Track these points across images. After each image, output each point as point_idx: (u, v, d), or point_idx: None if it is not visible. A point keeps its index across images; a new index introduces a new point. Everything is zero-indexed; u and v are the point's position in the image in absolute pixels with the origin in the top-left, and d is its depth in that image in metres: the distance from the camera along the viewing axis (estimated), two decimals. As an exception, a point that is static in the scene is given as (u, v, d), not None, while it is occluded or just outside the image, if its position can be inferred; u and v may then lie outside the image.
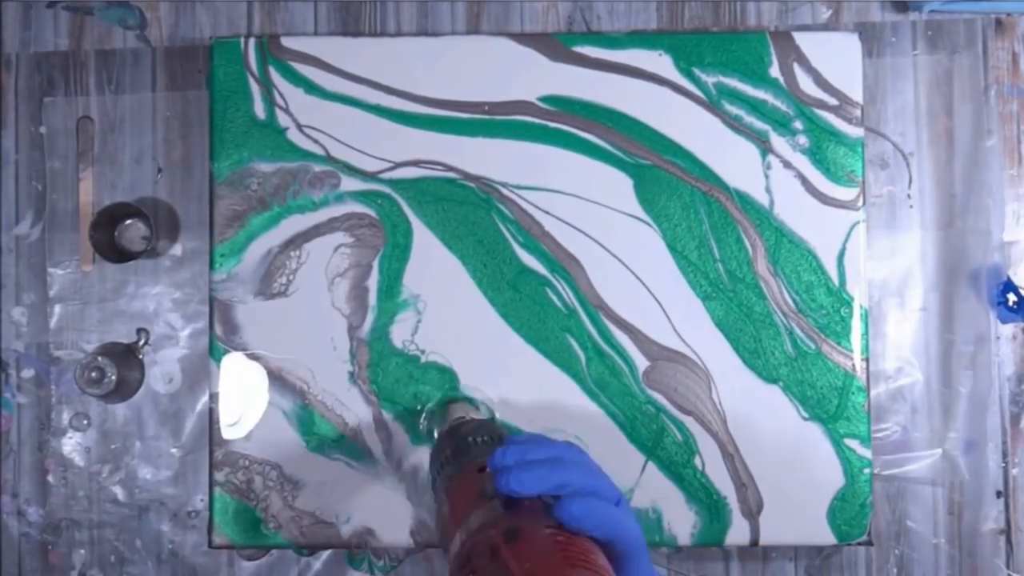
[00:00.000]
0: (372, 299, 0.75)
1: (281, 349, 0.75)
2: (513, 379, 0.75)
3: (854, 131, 0.75)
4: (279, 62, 0.76)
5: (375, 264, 0.75)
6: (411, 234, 0.76)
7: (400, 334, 0.75)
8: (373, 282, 0.75)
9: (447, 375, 0.75)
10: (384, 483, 0.74)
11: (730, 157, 0.75)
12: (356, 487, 0.74)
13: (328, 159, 0.76)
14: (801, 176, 0.75)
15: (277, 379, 0.75)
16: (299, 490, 0.74)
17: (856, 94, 0.76)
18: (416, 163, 0.76)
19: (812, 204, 0.75)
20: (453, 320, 0.75)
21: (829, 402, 0.74)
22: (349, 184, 0.76)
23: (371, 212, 0.76)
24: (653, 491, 0.74)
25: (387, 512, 0.74)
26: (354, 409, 0.75)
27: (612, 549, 0.46)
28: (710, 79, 0.76)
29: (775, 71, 0.76)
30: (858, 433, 0.74)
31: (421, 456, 0.74)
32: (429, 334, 0.75)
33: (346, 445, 0.74)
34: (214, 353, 0.74)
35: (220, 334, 0.75)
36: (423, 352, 0.75)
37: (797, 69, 0.76)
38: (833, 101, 0.76)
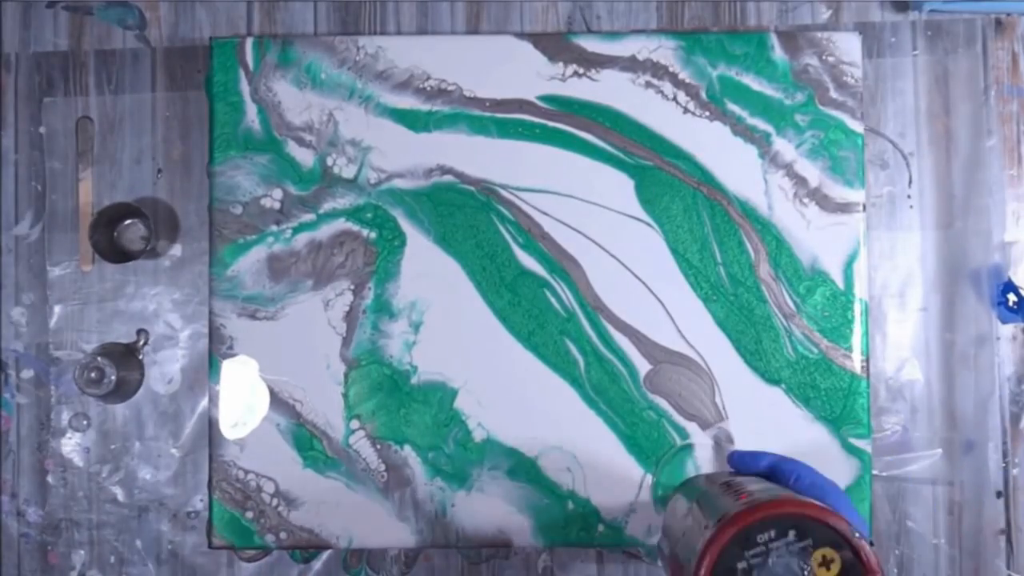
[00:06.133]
0: (366, 315, 0.71)
1: (275, 369, 0.72)
2: (509, 387, 0.71)
3: (855, 131, 0.72)
4: (278, 49, 0.73)
5: (370, 280, 0.72)
6: (405, 246, 0.72)
7: (394, 350, 0.71)
8: (368, 298, 0.72)
9: (442, 388, 0.71)
10: (384, 507, 0.71)
11: (732, 161, 0.72)
12: (356, 509, 0.71)
13: (323, 174, 0.72)
14: (803, 179, 0.72)
15: (271, 395, 0.72)
16: (296, 507, 0.71)
17: (856, 94, 0.72)
18: (415, 168, 0.72)
19: (812, 205, 0.72)
20: (450, 328, 0.72)
21: (835, 404, 0.71)
22: (342, 200, 0.72)
23: (364, 230, 0.72)
24: (651, 514, 0.71)
25: (388, 537, 0.71)
26: (346, 432, 0.72)
27: None
28: (713, 72, 0.72)
29: (777, 65, 0.72)
30: (865, 434, 0.71)
31: (418, 484, 0.72)
32: (425, 347, 0.72)
33: (341, 466, 0.71)
34: (212, 364, 0.72)
35: (214, 347, 0.72)
36: (415, 369, 0.71)
37: (798, 68, 0.72)
38: (833, 101, 0.72)
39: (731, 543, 0.40)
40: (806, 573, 0.40)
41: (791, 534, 0.40)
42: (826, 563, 0.40)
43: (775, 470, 0.49)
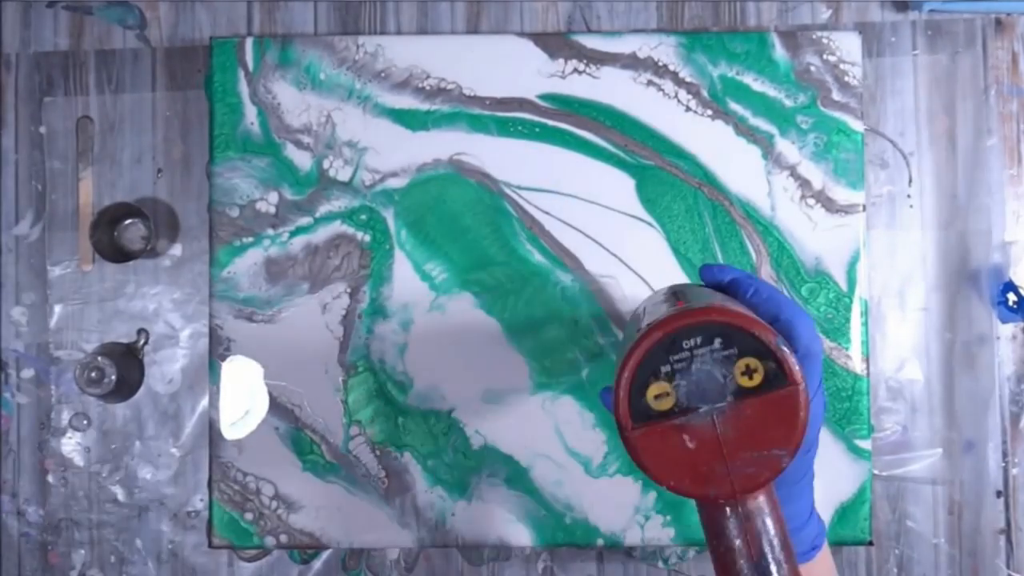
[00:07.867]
0: (362, 320, 0.70)
1: (273, 373, 0.71)
2: (507, 392, 0.70)
3: (855, 132, 0.71)
4: (277, 49, 0.72)
5: (365, 283, 0.70)
6: (394, 251, 0.71)
7: (390, 355, 0.70)
8: (363, 302, 0.70)
9: (440, 395, 0.70)
10: (385, 513, 0.70)
11: (734, 161, 0.71)
12: (356, 513, 0.70)
13: (319, 177, 0.71)
14: (807, 180, 0.71)
15: (270, 400, 0.71)
16: (296, 511, 0.70)
17: (856, 94, 0.71)
18: (413, 168, 0.71)
19: (816, 207, 0.71)
20: (448, 331, 0.70)
21: (838, 404, 0.70)
22: (337, 203, 0.71)
23: (359, 232, 0.71)
24: (655, 529, 0.70)
25: (389, 543, 0.70)
26: (345, 437, 0.70)
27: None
28: (714, 71, 0.71)
29: (779, 65, 0.71)
30: (866, 434, 0.70)
31: (418, 491, 0.70)
32: (422, 352, 0.71)
33: (341, 471, 0.70)
34: (212, 368, 0.71)
35: (212, 348, 0.71)
36: (412, 375, 0.70)
37: (800, 69, 0.71)
38: (836, 103, 0.71)
39: (657, 347, 0.39)
40: (727, 380, 0.39)
41: (717, 342, 0.39)
42: (749, 372, 0.39)
43: (735, 283, 0.47)
